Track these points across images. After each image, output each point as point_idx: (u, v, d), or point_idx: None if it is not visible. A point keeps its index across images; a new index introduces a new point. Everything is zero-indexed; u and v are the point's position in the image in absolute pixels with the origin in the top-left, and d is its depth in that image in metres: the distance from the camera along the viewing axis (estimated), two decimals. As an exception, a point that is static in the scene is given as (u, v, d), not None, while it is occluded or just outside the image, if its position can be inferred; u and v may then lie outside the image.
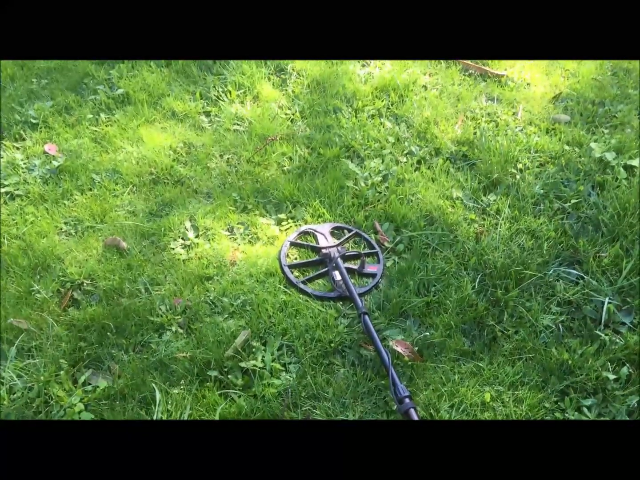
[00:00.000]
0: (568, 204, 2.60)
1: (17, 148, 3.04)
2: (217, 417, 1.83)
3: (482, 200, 2.68)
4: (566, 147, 2.93)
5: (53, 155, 2.97)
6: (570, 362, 1.99)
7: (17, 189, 2.78)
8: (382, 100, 3.29)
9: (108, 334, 2.15)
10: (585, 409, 1.88)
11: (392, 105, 3.29)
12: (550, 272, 2.31)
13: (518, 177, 2.78)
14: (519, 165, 2.84)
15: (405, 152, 2.99)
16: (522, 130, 3.09)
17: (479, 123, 3.15)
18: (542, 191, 2.67)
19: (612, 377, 1.93)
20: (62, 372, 2.00)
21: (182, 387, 1.98)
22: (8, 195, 2.76)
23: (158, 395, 1.93)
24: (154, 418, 1.86)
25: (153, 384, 1.97)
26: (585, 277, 2.27)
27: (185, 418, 1.86)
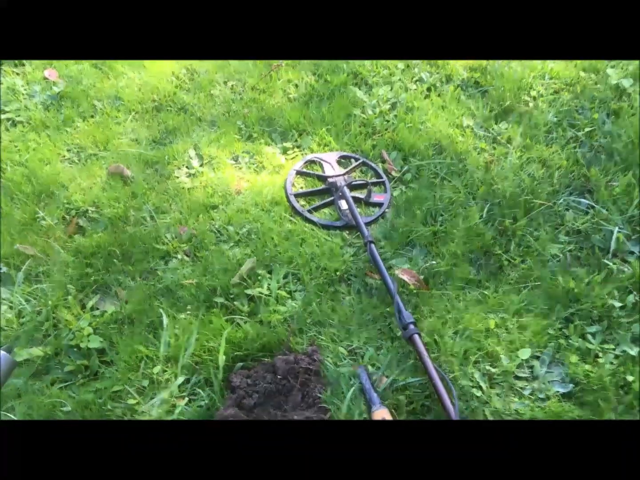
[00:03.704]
0: (581, 132, 2.53)
1: (17, 74, 2.96)
2: (223, 342, 1.85)
3: (493, 129, 2.61)
4: (582, 74, 2.83)
5: (53, 81, 2.90)
6: (576, 290, 1.98)
7: (19, 115, 2.73)
8: (392, 25, 3.16)
9: (114, 260, 2.15)
10: (589, 336, 1.89)
11: (402, 29, 3.16)
12: (560, 201, 2.27)
13: (531, 104, 2.69)
14: (533, 93, 2.75)
15: (415, 79, 2.90)
16: (537, 56, 2.98)
17: (492, 49, 3.04)
18: (555, 119, 2.60)
19: (617, 304, 1.93)
20: (69, 297, 2.02)
21: (188, 312, 1.99)
22: (9, 122, 2.71)
23: (165, 320, 1.95)
24: (161, 342, 1.89)
25: (160, 309, 1.99)
26: (595, 206, 2.23)
27: (193, 342, 1.88)
